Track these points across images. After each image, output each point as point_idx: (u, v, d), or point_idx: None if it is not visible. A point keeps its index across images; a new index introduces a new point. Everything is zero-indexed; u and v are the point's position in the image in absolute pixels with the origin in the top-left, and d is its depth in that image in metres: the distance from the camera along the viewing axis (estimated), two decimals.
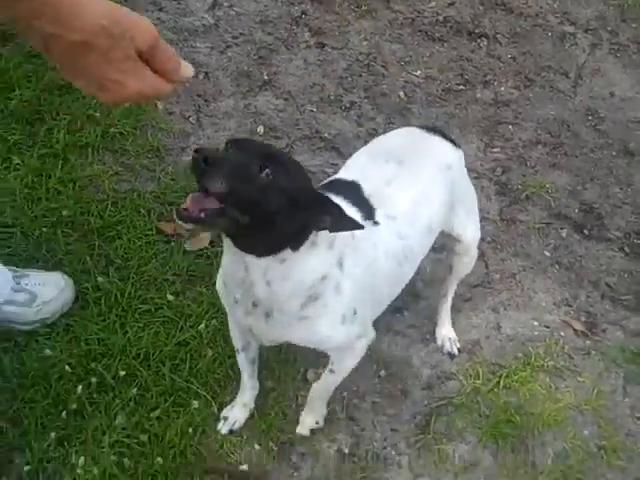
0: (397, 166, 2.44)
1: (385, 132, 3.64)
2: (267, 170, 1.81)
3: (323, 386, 2.55)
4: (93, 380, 2.66)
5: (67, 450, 2.54)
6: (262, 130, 3.75)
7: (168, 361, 2.77)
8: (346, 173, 2.48)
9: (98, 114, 3.46)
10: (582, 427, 2.88)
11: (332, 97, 4.00)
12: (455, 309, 3.15)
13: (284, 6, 4.38)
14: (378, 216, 2.29)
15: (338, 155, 3.71)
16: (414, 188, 2.42)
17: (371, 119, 3.94)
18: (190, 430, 2.62)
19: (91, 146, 3.38)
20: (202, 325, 2.83)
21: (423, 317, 3.10)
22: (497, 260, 3.40)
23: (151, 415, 2.64)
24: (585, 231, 3.63)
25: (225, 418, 2.72)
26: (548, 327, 3.20)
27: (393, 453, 2.75)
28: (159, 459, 2.51)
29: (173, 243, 3.13)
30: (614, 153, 4.02)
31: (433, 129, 2.69)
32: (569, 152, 3.97)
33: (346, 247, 2.09)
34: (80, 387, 2.62)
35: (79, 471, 2.49)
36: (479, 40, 4.49)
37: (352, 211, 2.23)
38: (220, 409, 2.73)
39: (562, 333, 3.18)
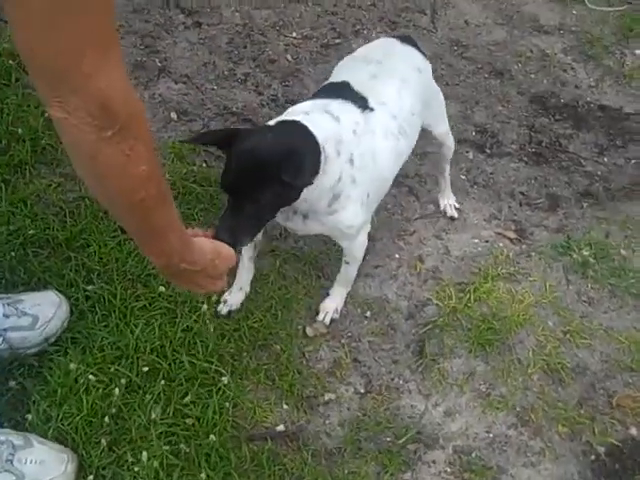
0: (378, 65, 2.95)
1: (284, 96, 3.90)
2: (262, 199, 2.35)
3: (344, 276, 3.06)
4: (122, 381, 2.75)
5: (119, 453, 2.64)
6: (175, 116, 3.86)
7: (181, 348, 2.89)
8: (334, 78, 2.99)
9: (20, 130, 3.45)
10: (546, 319, 3.28)
11: (226, 72, 4.15)
12: (405, 242, 3.46)
13: None
14: (371, 103, 2.75)
15: (252, 125, 3.88)
16: (395, 80, 2.93)
17: (268, 86, 4.13)
18: (227, 404, 2.77)
19: (24, 163, 3.37)
20: (204, 306, 2.96)
21: (384, 256, 3.38)
22: (425, 192, 3.72)
23: (184, 401, 2.77)
24: (486, 150, 4.02)
25: (225, 302, 3.06)
26: (487, 241, 3.56)
27: (401, 382, 3.04)
28: (212, 437, 2.66)
29: None
30: (486, 75, 4.43)
31: (406, 39, 3.20)
32: (450, 82, 4.33)
33: (350, 145, 2.59)
34: (117, 390, 2.71)
35: (136, 469, 2.60)
36: None
37: (349, 106, 2.72)
38: (239, 379, 2.89)
39: (500, 244, 3.56)
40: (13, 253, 3.07)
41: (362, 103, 2.77)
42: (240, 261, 3.03)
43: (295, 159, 2.34)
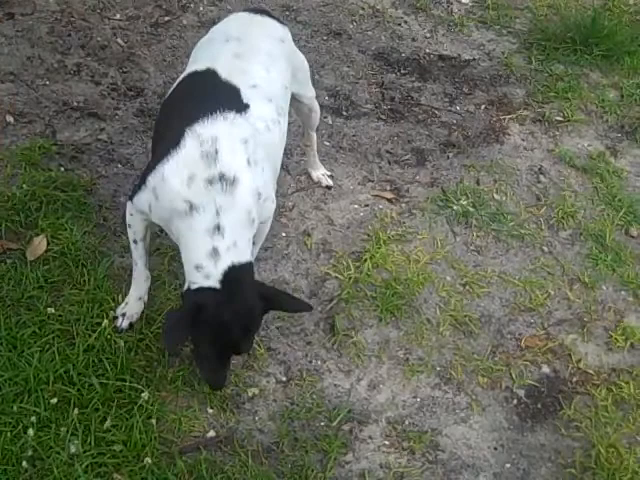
0: (238, 43, 2.80)
1: (124, 83, 3.67)
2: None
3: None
4: (32, 419, 2.48)
5: None
6: (12, 119, 3.53)
7: (88, 370, 2.65)
8: (196, 65, 2.76)
9: None
10: (444, 274, 3.28)
11: (55, 65, 3.85)
12: (287, 218, 3.35)
13: None
14: (244, 95, 2.60)
15: (99, 119, 3.63)
16: (260, 56, 2.79)
17: (104, 74, 3.87)
18: (152, 421, 2.58)
19: None
20: (105, 321, 2.73)
21: (271, 237, 3.23)
22: (294, 165, 3.61)
23: (104, 426, 2.55)
24: (343, 113, 3.96)
25: (123, 314, 2.84)
26: (367, 205, 3.52)
27: (319, 363, 2.94)
28: (147, 459, 2.46)
29: (10, 260, 2.92)
30: (325, 38, 4.36)
31: (260, 10, 3.10)
32: None
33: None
34: (31, 431, 2.43)
35: None
36: None
37: (230, 117, 2.51)
38: (156, 391, 2.70)
39: (380, 206, 3.52)
40: None
41: (237, 103, 2.58)
42: (135, 270, 2.83)
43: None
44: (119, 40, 4.01)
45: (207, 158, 2.40)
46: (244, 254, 2.42)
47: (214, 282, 2.36)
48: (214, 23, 4.13)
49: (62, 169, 3.30)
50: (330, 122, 3.83)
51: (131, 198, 2.63)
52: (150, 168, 2.54)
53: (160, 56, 3.97)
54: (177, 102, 2.71)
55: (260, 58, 2.79)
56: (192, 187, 2.39)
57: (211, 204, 2.38)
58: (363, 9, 4.53)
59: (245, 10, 3.18)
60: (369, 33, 4.40)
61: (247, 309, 2.43)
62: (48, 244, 2.99)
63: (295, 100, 3.09)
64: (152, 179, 2.49)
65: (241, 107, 2.57)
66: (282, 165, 3.32)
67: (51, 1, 4.13)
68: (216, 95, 2.60)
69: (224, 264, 2.37)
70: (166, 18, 4.21)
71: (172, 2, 4.30)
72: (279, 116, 2.74)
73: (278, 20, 3.06)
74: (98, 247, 3.05)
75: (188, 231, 2.41)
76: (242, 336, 2.46)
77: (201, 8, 4.30)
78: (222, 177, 2.39)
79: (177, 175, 2.42)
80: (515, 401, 2.96)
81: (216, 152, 2.41)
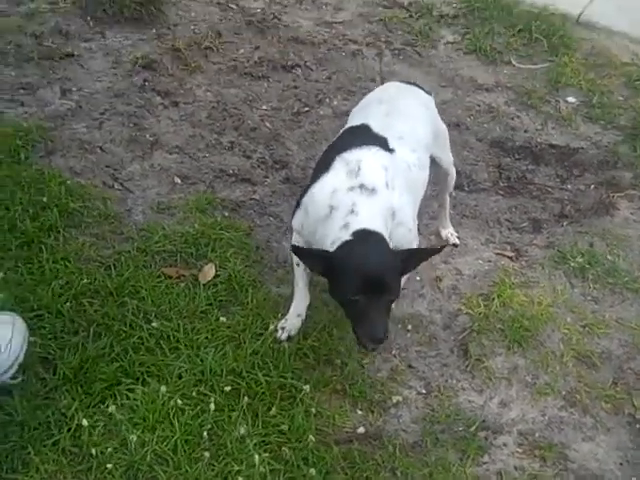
0: (390, 104, 3.28)
1: (271, 158, 4.18)
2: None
3: None
4: (212, 405, 2.85)
5: (219, 466, 2.72)
6: (179, 180, 4.05)
7: (254, 369, 3.02)
8: (352, 122, 3.28)
9: (45, 198, 3.57)
10: (564, 316, 3.58)
11: (213, 142, 4.39)
12: (421, 268, 3.70)
13: (126, 78, 4.68)
14: (391, 143, 3.02)
15: (251, 184, 4.13)
16: (408, 116, 3.25)
17: (254, 151, 4.39)
18: (313, 410, 2.91)
19: (55, 227, 3.49)
20: (267, 331, 3.12)
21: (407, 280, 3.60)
22: (424, 227, 4.00)
23: (270, 413, 2.89)
24: (465, 188, 4.38)
25: (282, 328, 3.17)
26: (490, 261, 3.87)
27: (454, 382, 3.25)
28: (310, 436, 2.80)
29: (183, 284, 3.36)
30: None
31: (409, 82, 3.64)
32: None
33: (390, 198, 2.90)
34: (212, 405, 2.80)
35: (240, 478, 2.69)
36: (294, 70, 5.10)
37: (374, 149, 2.98)
38: (315, 390, 3.04)
39: (502, 262, 3.88)
40: (68, 304, 3.13)
41: (384, 145, 3.03)
42: (296, 290, 3.21)
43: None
44: (266, 124, 4.56)
45: (351, 174, 2.86)
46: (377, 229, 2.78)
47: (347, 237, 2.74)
48: (347, 114, 4.73)
49: (225, 215, 3.77)
50: (454, 194, 4.23)
51: (292, 219, 3.07)
52: (303, 191, 3.01)
53: (302, 137, 4.49)
54: (331, 147, 3.19)
55: (407, 118, 3.26)
56: (335, 195, 2.84)
57: (349, 203, 2.80)
58: (479, 106, 5.01)
59: (398, 81, 3.76)
60: (485, 125, 4.86)
61: (380, 248, 2.72)
62: (216, 271, 3.41)
63: (434, 163, 3.47)
64: (304, 199, 2.98)
65: (387, 148, 3.03)
66: None
67: (209, 94, 4.72)
68: (367, 139, 3.06)
69: (356, 227, 2.75)
70: (305, 109, 4.76)
71: (310, 97, 4.86)
72: (420, 163, 3.17)
73: (424, 90, 3.57)
74: (257, 277, 3.46)
75: (326, 229, 2.82)
76: (382, 271, 2.70)
77: (335, 102, 4.84)
78: (362, 186, 2.83)
79: (324, 190, 2.89)
80: (638, 425, 3.18)
81: (359, 169, 2.87)
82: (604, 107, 5.08)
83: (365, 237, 2.73)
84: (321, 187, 2.89)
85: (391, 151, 3.03)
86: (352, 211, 2.78)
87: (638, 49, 5.67)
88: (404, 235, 2.99)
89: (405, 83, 3.58)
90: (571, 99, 5.15)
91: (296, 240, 3.10)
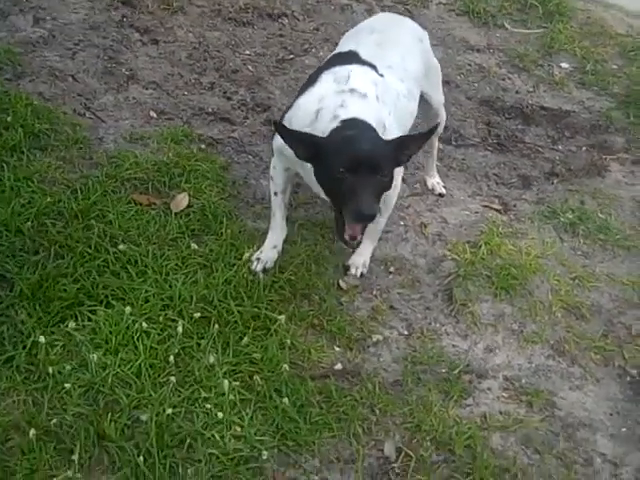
0: (381, 34, 3.10)
1: (252, 100, 3.98)
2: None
3: (374, 229, 3.03)
4: (179, 329, 2.65)
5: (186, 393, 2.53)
6: (155, 114, 3.84)
7: (226, 299, 2.83)
8: (341, 48, 3.10)
9: (9, 118, 3.36)
10: (553, 268, 3.42)
11: (192, 81, 4.19)
12: (405, 214, 3.54)
13: (103, 12, 4.46)
14: (380, 70, 2.87)
15: (230, 123, 3.93)
16: (399, 47, 3.09)
17: (235, 92, 4.18)
18: (287, 341, 2.73)
19: (18, 147, 3.28)
20: (246, 254, 2.93)
21: (390, 223, 3.42)
22: (410, 176, 3.83)
23: (242, 342, 2.70)
24: (453, 142, 4.22)
25: (258, 259, 3.01)
26: (477, 212, 3.71)
27: (438, 325, 3.08)
28: (284, 366, 2.60)
29: (154, 211, 3.16)
30: None
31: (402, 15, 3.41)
32: None
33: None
34: (179, 328, 2.60)
35: (208, 406, 2.50)
36: (280, 19, 4.91)
37: (365, 67, 2.84)
38: (291, 322, 2.86)
39: (490, 214, 3.71)
40: (29, 223, 2.92)
41: (372, 69, 2.89)
42: (272, 220, 3.05)
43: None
44: (249, 67, 4.36)
45: (339, 81, 2.71)
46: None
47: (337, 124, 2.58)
48: None
49: (202, 148, 3.56)
50: (441, 147, 4.06)
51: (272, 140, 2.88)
52: (286, 109, 2.85)
53: (285, 84, 4.30)
54: (317, 69, 3.00)
55: (399, 49, 3.09)
56: (322, 100, 2.68)
57: (337, 101, 2.65)
58: (470, 65, 4.85)
59: (392, 13, 3.52)
60: (475, 84, 4.70)
61: (370, 131, 2.58)
62: (190, 201, 3.21)
63: (424, 101, 3.32)
64: (287, 114, 2.81)
65: (376, 72, 2.87)
66: None
67: (190, 35, 4.51)
68: (356, 63, 2.89)
69: (346, 116, 2.59)
70: (290, 56, 4.56)
71: (295, 46, 4.68)
72: (408, 95, 3.01)
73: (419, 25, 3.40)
74: (233, 210, 3.27)
75: (314, 131, 2.64)
76: (371, 148, 2.54)
77: (321, 53, 4.65)
78: (352, 90, 2.67)
79: (310, 99, 2.73)
80: (629, 378, 3.03)
81: (348, 77, 2.72)
82: (598, 74, 4.94)
83: (355, 124, 2.58)
84: (307, 97, 2.73)
85: (380, 76, 2.87)
86: (341, 105, 2.62)
87: (634, 22, 5.54)
88: None
89: (398, 15, 3.37)
90: (564, 64, 5.00)
91: (277, 162, 2.91)
